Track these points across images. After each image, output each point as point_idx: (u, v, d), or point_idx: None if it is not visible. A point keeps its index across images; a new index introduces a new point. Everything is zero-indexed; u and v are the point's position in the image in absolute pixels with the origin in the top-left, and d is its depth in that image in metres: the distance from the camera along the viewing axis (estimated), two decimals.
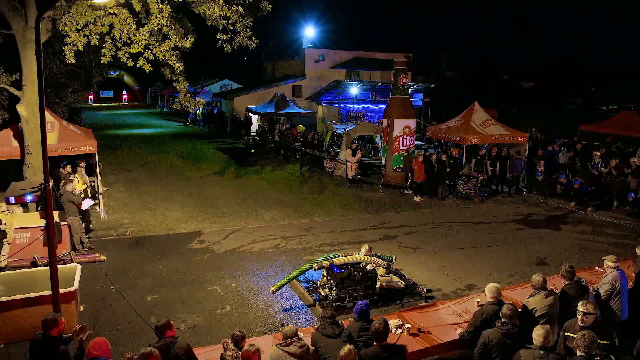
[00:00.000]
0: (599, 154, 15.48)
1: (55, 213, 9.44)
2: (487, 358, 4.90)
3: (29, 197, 10.36)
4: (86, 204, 10.70)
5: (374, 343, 4.82)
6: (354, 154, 17.22)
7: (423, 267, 9.79)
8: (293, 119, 26.42)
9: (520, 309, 5.80)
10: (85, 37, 10.67)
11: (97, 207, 12.60)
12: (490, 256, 10.46)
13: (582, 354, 4.29)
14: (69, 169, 11.97)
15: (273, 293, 8.04)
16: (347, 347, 4.44)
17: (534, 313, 5.62)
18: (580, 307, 5.01)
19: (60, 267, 6.71)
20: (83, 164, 12.71)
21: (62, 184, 10.39)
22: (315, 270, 8.02)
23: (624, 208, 14.21)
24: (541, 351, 4.49)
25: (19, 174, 12.04)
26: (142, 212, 13.40)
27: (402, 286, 8.32)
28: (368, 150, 20.36)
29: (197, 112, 35.28)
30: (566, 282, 6.02)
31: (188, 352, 4.88)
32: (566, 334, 5.10)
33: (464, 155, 16.61)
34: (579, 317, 4.99)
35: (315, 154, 19.44)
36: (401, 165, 16.39)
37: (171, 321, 5.10)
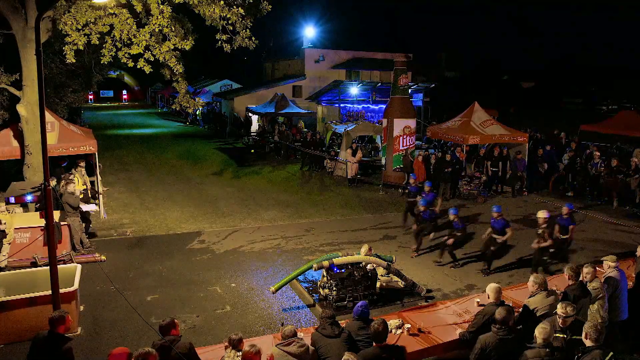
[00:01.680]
0: (598, 154, 15.46)
1: (56, 213, 9.44)
2: None
3: (29, 197, 10.35)
4: (86, 208, 10.69)
5: (374, 344, 4.82)
6: (354, 154, 17.22)
7: (423, 267, 9.79)
8: (293, 119, 26.43)
9: (520, 309, 5.81)
10: (86, 37, 10.67)
11: (97, 207, 12.59)
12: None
13: (592, 344, 4.36)
14: (82, 170, 12.13)
15: (273, 293, 8.04)
16: (347, 355, 4.41)
17: (535, 313, 5.62)
18: (559, 309, 5.05)
19: (60, 267, 6.72)
20: (83, 164, 12.71)
21: (62, 184, 10.40)
22: (315, 270, 8.02)
23: (623, 208, 14.22)
24: (547, 349, 4.51)
25: (19, 174, 12.04)
26: (142, 212, 13.40)
27: (402, 286, 8.32)
28: (368, 150, 20.36)
29: (197, 112, 35.27)
30: (571, 283, 6.02)
31: (190, 351, 4.91)
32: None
33: (464, 155, 16.57)
34: (559, 320, 5.03)
35: (315, 154, 19.45)
36: (400, 165, 16.40)
37: (175, 320, 5.14)
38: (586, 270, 6.22)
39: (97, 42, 10.83)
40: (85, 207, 10.56)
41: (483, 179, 15.56)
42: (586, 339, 4.43)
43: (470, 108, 17.11)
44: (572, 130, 22.26)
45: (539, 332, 4.58)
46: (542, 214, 9.02)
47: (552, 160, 16.65)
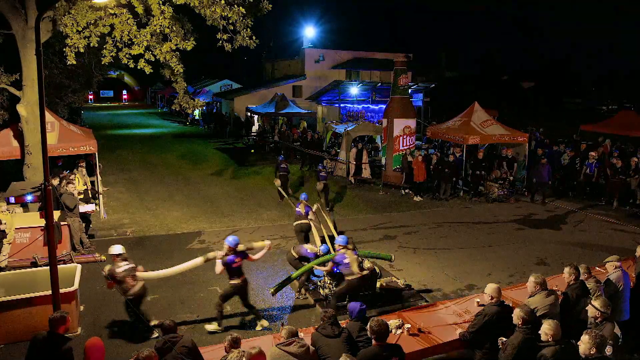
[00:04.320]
0: (594, 154, 15.42)
1: (56, 213, 9.44)
2: None
3: (29, 197, 10.35)
4: (84, 208, 10.69)
5: (374, 342, 4.81)
6: (360, 156, 17.42)
7: (423, 267, 9.79)
8: (293, 119, 26.43)
9: None
10: (86, 39, 10.68)
11: (97, 207, 12.59)
12: (490, 256, 10.46)
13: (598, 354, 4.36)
14: (83, 170, 12.15)
15: (273, 295, 7.98)
16: (344, 357, 4.41)
17: (535, 313, 5.62)
18: (597, 304, 5.14)
19: (60, 267, 6.71)
20: (84, 164, 12.72)
21: (63, 184, 10.40)
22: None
23: (623, 208, 14.23)
24: (563, 345, 4.54)
25: (19, 174, 12.04)
26: (142, 212, 13.40)
27: (402, 286, 8.32)
28: (368, 150, 20.35)
29: (196, 113, 35.28)
30: (571, 283, 6.02)
31: (193, 346, 5.05)
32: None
33: (464, 156, 16.50)
34: (597, 313, 5.09)
35: (315, 154, 19.45)
36: (399, 166, 16.39)
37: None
38: (580, 270, 6.23)
39: (97, 45, 10.84)
40: (82, 209, 10.55)
41: (510, 179, 15.47)
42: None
43: (470, 108, 17.09)
44: (573, 131, 22.27)
45: (550, 329, 4.60)
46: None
47: (553, 160, 16.62)
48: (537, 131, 21.68)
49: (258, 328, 7.21)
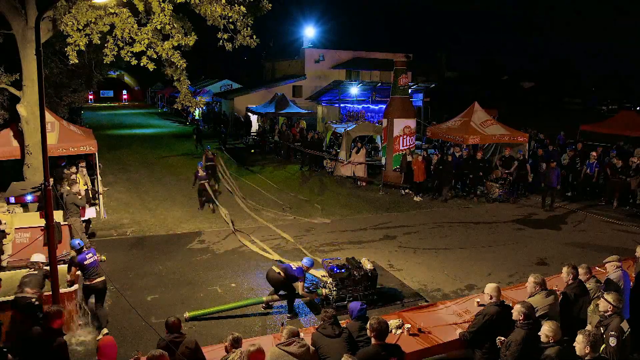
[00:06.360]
0: (594, 154, 15.41)
1: (56, 213, 9.43)
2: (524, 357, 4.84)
3: (29, 197, 10.33)
4: (88, 213, 10.74)
5: (373, 341, 4.81)
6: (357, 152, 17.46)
7: (423, 267, 9.80)
8: (293, 118, 26.44)
9: None
10: (87, 37, 10.66)
11: (97, 207, 12.58)
12: (490, 256, 10.46)
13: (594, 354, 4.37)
14: (73, 169, 11.99)
15: (186, 320, 7.32)
16: (345, 357, 4.41)
17: (535, 313, 5.62)
18: (610, 298, 5.16)
19: (60, 267, 6.72)
20: (84, 164, 12.71)
21: (64, 184, 10.39)
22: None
23: (624, 208, 14.22)
24: (565, 345, 4.55)
25: (19, 174, 12.04)
26: (142, 212, 13.40)
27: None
28: (368, 150, 20.34)
29: (196, 113, 35.25)
30: (569, 283, 6.02)
31: (197, 346, 5.07)
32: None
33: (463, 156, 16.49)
34: (609, 307, 5.10)
35: (315, 154, 19.44)
36: (399, 166, 16.39)
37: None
38: (582, 271, 6.23)
39: (99, 42, 10.81)
40: (87, 214, 10.62)
41: (510, 179, 15.44)
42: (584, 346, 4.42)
43: (470, 108, 17.10)
44: (573, 131, 22.24)
45: (551, 330, 4.61)
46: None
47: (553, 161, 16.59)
48: (560, 134, 21.01)
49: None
